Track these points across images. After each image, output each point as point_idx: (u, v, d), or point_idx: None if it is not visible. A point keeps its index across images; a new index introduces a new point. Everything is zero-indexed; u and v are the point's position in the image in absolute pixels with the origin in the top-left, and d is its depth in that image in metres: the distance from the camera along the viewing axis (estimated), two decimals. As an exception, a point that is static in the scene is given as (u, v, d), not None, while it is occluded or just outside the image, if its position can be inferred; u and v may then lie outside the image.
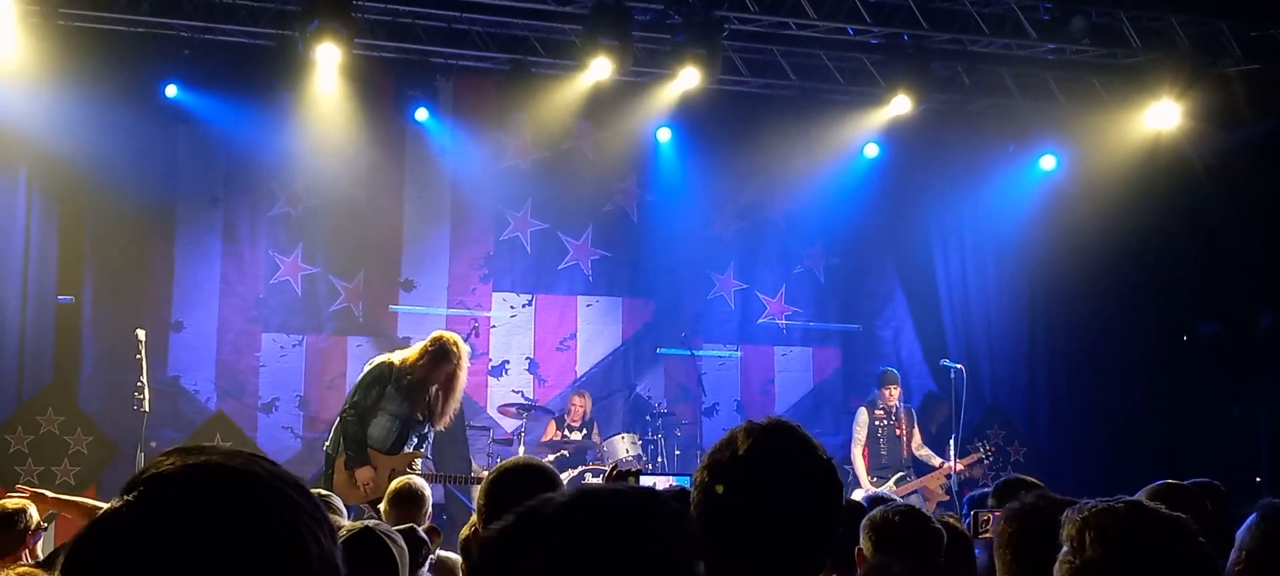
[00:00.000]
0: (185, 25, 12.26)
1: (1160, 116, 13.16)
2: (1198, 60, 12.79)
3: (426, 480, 9.22)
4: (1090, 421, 14.84)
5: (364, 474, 8.83)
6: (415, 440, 9.12)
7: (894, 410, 12.76)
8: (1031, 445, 14.72)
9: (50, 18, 11.41)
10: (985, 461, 12.93)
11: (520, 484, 3.94)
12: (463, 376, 9.15)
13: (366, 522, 4.14)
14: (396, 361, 9.09)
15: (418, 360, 9.00)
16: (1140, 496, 4.49)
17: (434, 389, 9.05)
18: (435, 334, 9.29)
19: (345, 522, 4.99)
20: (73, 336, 12.69)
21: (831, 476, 2.65)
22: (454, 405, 9.21)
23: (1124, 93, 13.49)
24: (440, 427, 9.36)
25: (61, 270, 12.70)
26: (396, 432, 9.01)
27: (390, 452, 8.97)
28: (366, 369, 9.19)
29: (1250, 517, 4.52)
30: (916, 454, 12.77)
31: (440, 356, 8.99)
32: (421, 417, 9.08)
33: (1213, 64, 12.92)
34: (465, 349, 9.18)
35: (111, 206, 12.79)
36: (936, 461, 12.63)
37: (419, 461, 9.12)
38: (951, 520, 4.99)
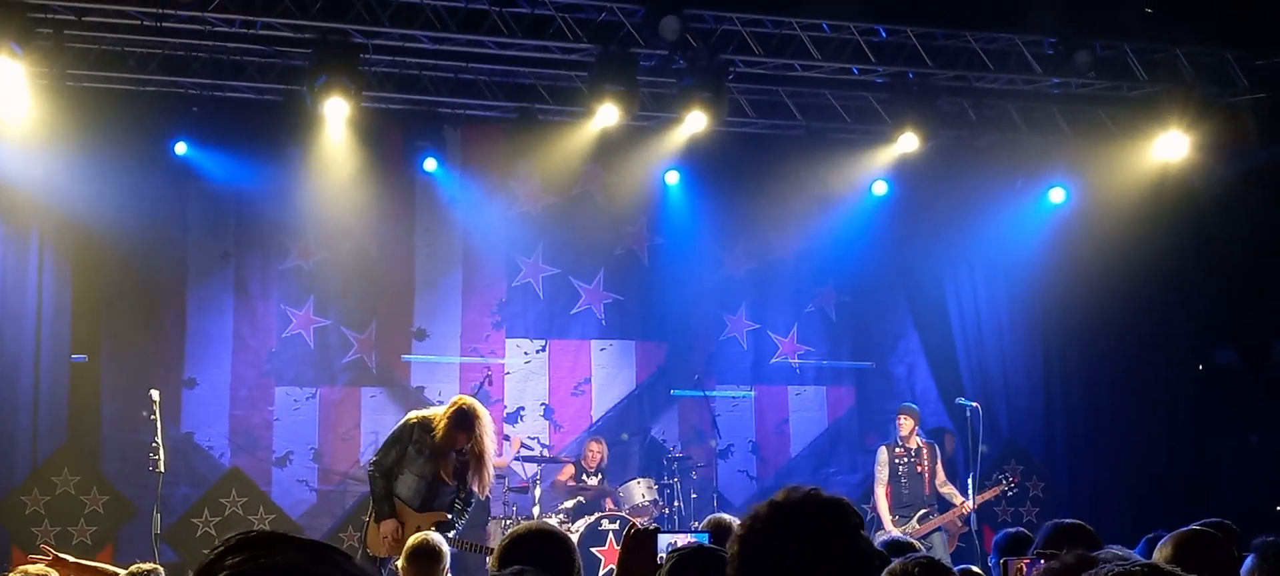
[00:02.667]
0: (194, 83, 12.31)
1: (1168, 147, 13.15)
2: (1204, 90, 12.80)
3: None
4: (1108, 454, 14.77)
5: (387, 526, 8.84)
6: (448, 502, 9.10)
7: (914, 447, 12.67)
8: (1049, 480, 14.65)
9: (59, 80, 11.46)
10: (1008, 493, 12.86)
11: (532, 550, 3.93)
12: (487, 444, 9.12)
13: None
14: (418, 420, 9.10)
15: (440, 422, 9.01)
16: (1166, 542, 4.46)
17: (457, 455, 9.03)
18: (456, 399, 9.29)
19: None
20: (87, 395, 12.69)
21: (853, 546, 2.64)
22: (488, 472, 9.19)
23: (1131, 124, 13.50)
24: (481, 494, 9.35)
25: (75, 329, 12.71)
26: (423, 492, 9.00)
27: (419, 510, 8.98)
28: (396, 425, 9.26)
29: (1249, 558, 4.50)
30: (940, 490, 12.66)
31: (458, 422, 8.97)
32: (448, 482, 9.07)
33: (1220, 94, 12.93)
34: (484, 413, 9.16)
35: (123, 264, 12.83)
36: (959, 499, 12.53)
37: (446, 519, 9.11)
38: (975, 573, 4.95)
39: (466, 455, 9.03)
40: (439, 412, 9.14)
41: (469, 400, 9.23)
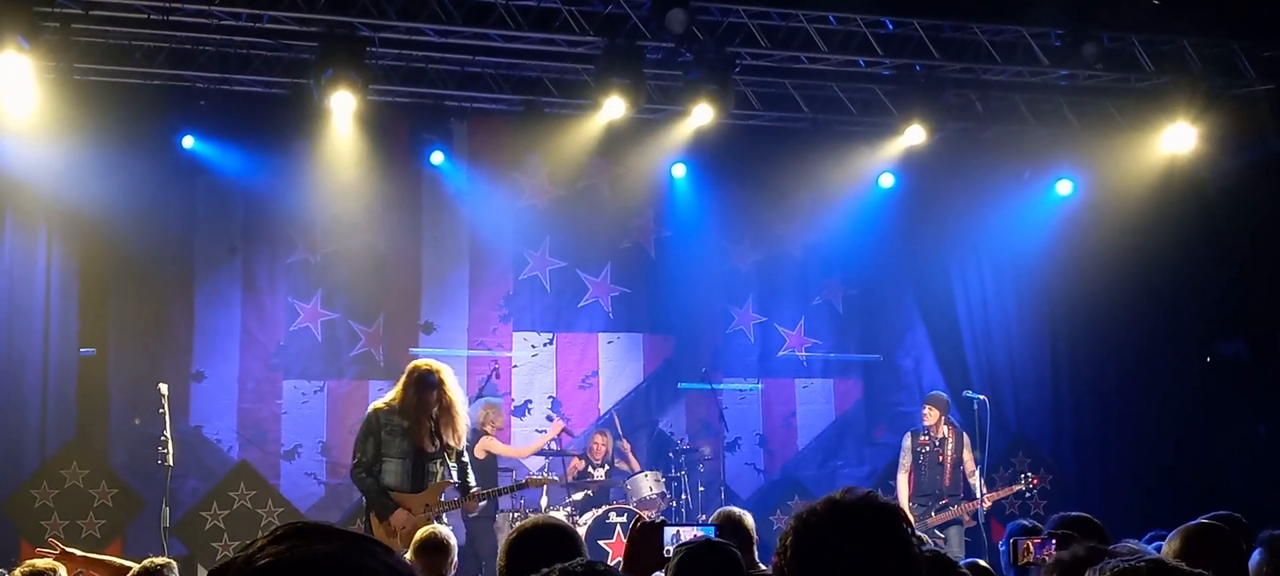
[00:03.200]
0: (201, 76, 12.32)
1: (1176, 139, 13.13)
2: (1212, 82, 12.77)
3: (452, 507, 9.29)
4: (1116, 446, 14.76)
5: (397, 518, 8.82)
6: (436, 470, 9.10)
7: (940, 435, 12.62)
8: (1057, 473, 14.65)
9: (66, 73, 11.47)
10: (1027, 494, 12.81)
11: (541, 543, 3.94)
12: (455, 394, 9.14)
13: None
14: (382, 405, 9.10)
15: (402, 397, 9.01)
16: (1175, 535, 4.45)
17: (430, 418, 9.01)
18: (409, 366, 9.31)
19: None
20: (96, 389, 12.71)
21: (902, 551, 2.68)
22: (461, 423, 9.17)
23: (1139, 116, 13.47)
24: (458, 444, 9.28)
25: (83, 323, 12.73)
26: (410, 470, 8.99)
27: (413, 492, 8.97)
28: (363, 421, 9.20)
29: (1256, 553, 4.50)
30: (967, 479, 12.54)
31: (420, 385, 8.99)
32: (431, 449, 9.05)
33: (1227, 85, 12.90)
34: (444, 367, 9.18)
35: (131, 258, 12.84)
36: (981, 491, 12.42)
37: (445, 491, 9.12)
38: (982, 566, 4.97)
39: (437, 414, 9.02)
40: (395, 390, 9.14)
41: (423, 362, 9.25)
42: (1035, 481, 12.73)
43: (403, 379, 9.14)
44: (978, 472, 12.43)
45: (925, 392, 13.95)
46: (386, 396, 9.27)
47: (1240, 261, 14.10)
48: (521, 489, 10.77)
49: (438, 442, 9.04)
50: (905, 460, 12.71)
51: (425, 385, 8.99)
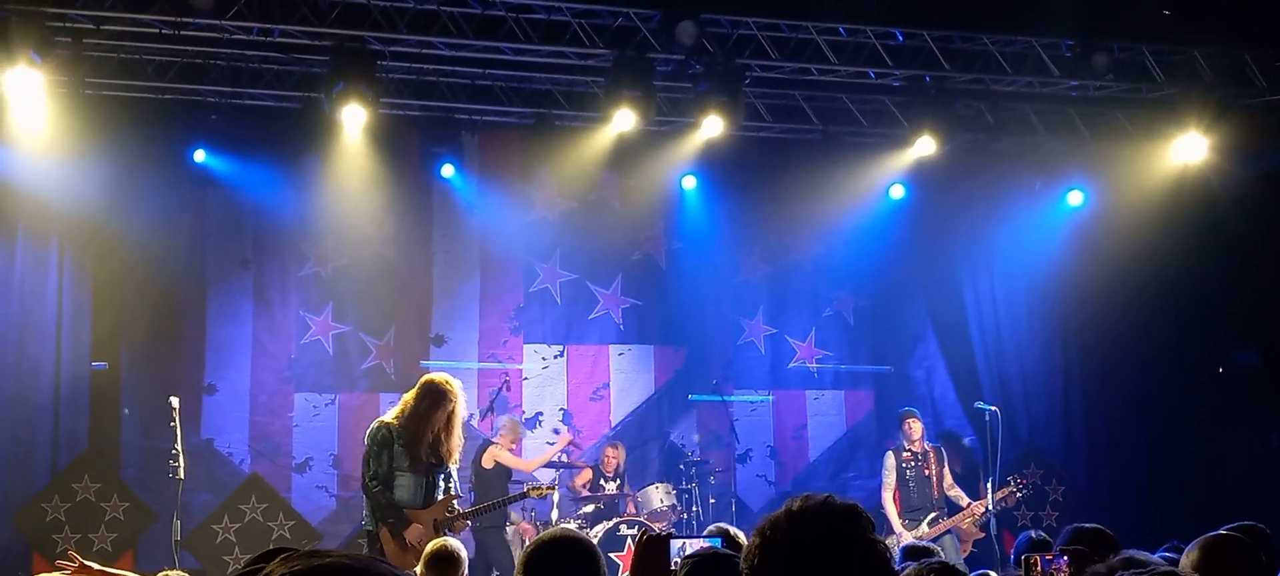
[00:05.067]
0: (212, 91, 12.37)
1: (1187, 149, 13.10)
2: (1223, 92, 12.75)
3: (464, 518, 9.27)
4: (1129, 457, 14.71)
5: (412, 533, 8.76)
6: (442, 484, 9.10)
7: (920, 451, 12.61)
8: (1069, 484, 14.63)
9: (78, 88, 11.51)
10: (1018, 495, 12.79)
11: (559, 557, 3.94)
12: (461, 410, 9.13)
13: None
14: (392, 420, 9.05)
15: (413, 409, 8.97)
16: (1194, 547, 4.43)
17: (433, 431, 8.99)
18: (424, 379, 9.23)
19: None
20: (107, 403, 12.73)
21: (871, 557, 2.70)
22: (456, 441, 9.15)
23: (1149, 126, 13.45)
24: (452, 465, 9.27)
25: (95, 336, 12.76)
26: (423, 486, 8.96)
27: (424, 507, 8.95)
28: (368, 437, 9.11)
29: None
30: (948, 493, 12.60)
31: (436, 399, 8.96)
32: (433, 462, 9.03)
33: (1238, 95, 12.87)
34: (457, 384, 9.15)
35: (143, 272, 12.86)
36: (965, 501, 12.45)
37: (455, 503, 9.11)
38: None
39: (441, 430, 9.00)
40: (406, 400, 9.09)
41: (438, 376, 9.23)
42: (1022, 482, 12.66)
43: (416, 391, 9.10)
44: (957, 487, 12.48)
45: (937, 403, 13.93)
46: (394, 410, 9.23)
47: (1251, 271, 14.06)
48: (522, 499, 10.73)
49: (435, 456, 9.01)
50: (889, 478, 12.66)
51: (440, 398, 8.97)
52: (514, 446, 12.87)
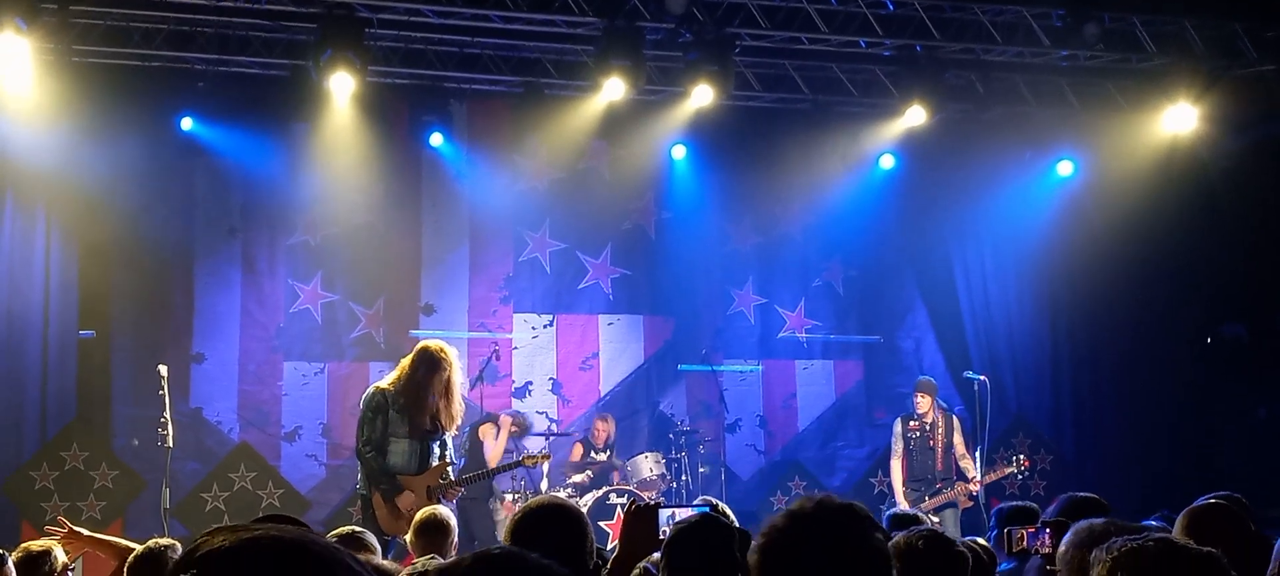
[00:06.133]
0: (199, 58, 12.31)
1: (1177, 120, 13.12)
2: (1213, 63, 12.75)
3: (456, 486, 9.26)
4: (1116, 427, 14.77)
5: (405, 500, 8.76)
6: (436, 451, 9.10)
7: (930, 421, 12.61)
8: (1057, 454, 14.67)
9: (65, 55, 11.46)
10: (1020, 476, 12.82)
11: (546, 524, 3.94)
12: (458, 377, 9.16)
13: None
14: (387, 386, 9.06)
15: (410, 376, 8.97)
16: (1181, 517, 4.45)
17: (433, 398, 9.00)
18: (419, 345, 9.25)
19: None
20: (96, 371, 12.71)
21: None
22: (457, 407, 9.18)
23: (1140, 97, 13.45)
24: (451, 433, 9.29)
25: (82, 305, 12.72)
26: (417, 452, 8.97)
27: (418, 474, 8.95)
28: (363, 403, 9.13)
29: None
30: (959, 463, 12.54)
31: (432, 366, 8.97)
32: (431, 428, 9.04)
33: (1228, 66, 12.87)
34: (452, 351, 9.16)
35: (130, 240, 12.82)
36: (972, 473, 12.40)
37: (449, 469, 9.12)
38: (980, 544, 4.95)
39: (439, 396, 9.01)
40: (402, 367, 9.09)
41: (432, 342, 9.23)
42: (1026, 464, 12.69)
43: (411, 358, 9.10)
44: (969, 455, 12.45)
45: (925, 373, 13.94)
46: (389, 377, 9.24)
47: (1241, 243, 14.09)
48: (515, 467, 10.72)
49: (435, 424, 9.03)
50: (897, 446, 12.68)
51: (436, 365, 8.98)
52: (503, 442, 12.69)
